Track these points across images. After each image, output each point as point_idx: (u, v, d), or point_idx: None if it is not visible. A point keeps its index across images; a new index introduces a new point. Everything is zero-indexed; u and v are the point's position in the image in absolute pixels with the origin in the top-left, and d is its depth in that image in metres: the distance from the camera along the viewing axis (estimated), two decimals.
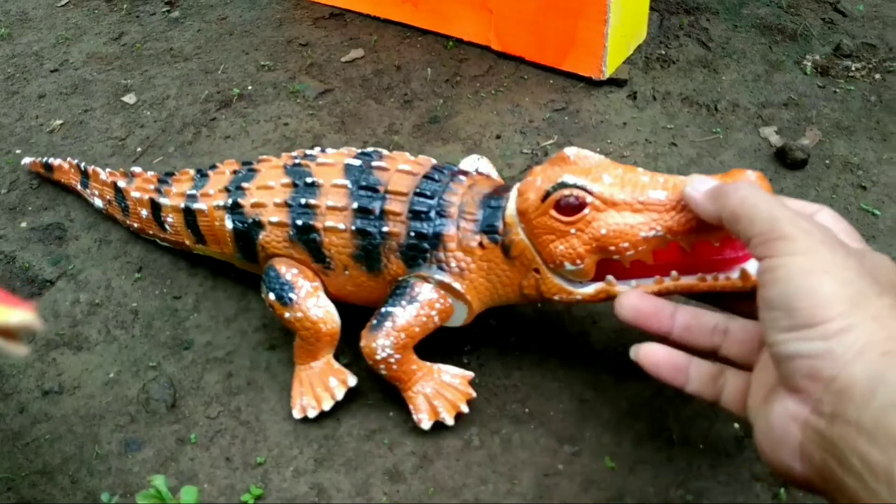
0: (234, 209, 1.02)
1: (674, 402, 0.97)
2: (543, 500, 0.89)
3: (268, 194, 1.00)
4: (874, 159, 1.26)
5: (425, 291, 0.93)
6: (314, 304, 0.97)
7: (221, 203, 1.04)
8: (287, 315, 0.97)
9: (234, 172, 1.06)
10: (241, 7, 1.76)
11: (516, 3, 1.44)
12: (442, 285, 0.93)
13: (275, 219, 0.98)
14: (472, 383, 0.97)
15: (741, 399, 0.79)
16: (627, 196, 0.84)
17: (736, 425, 0.94)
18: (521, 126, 1.38)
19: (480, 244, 0.92)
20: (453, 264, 0.92)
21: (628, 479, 0.90)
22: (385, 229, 0.93)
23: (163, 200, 1.10)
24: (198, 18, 1.74)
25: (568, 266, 0.87)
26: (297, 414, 0.98)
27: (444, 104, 1.44)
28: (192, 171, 1.12)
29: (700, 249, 0.86)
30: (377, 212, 0.94)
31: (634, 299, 0.86)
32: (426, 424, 0.94)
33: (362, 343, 0.95)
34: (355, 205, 0.94)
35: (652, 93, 1.43)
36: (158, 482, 0.86)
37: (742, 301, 0.86)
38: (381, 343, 0.93)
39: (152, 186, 1.13)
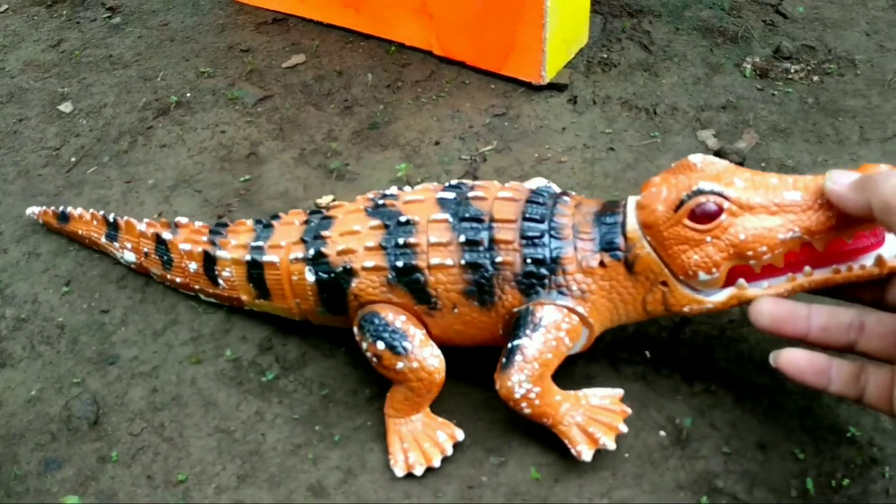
0: (317, 260, 0.95)
1: None
2: None
3: (355, 239, 0.93)
4: (809, 161, 1.26)
5: (548, 314, 0.88)
6: (430, 354, 0.91)
7: (300, 255, 0.96)
8: (400, 366, 0.90)
9: (305, 222, 1.00)
10: (184, 12, 1.74)
11: (456, 8, 1.44)
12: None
13: (369, 264, 0.91)
14: (623, 400, 0.93)
15: (886, 395, 0.77)
16: (763, 199, 0.82)
17: (662, 433, 0.94)
18: (460, 132, 1.37)
19: (601, 263, 0.88)
20: (574, 287, 0.88)
21: (553, 490, 0.90)
22: (498, 259, 0.88)
23: (220, 253, 1.02)
24: (139, 24, 1.72)
25: (702, 276, 0.84)
26: (400, 472, 0.92)
27: (384, 110, 1.43)
28: (249, 222, 1.05)
29: (830, 244, 0.84)
30: (486, 242, 0.89)
31: (770, 306, 0.84)
32: (588, 455, 0.89)
33: (497, 385, 0.89)
34: (462, 238, 0.89)
35: (592, 97, 1.42)
36: (72, 502, 0.85)
37: (863, 289, 0.85)
38: (516, 380, 0.87)
39: (205, 238, 1.05)
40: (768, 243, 0.82)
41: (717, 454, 0.92)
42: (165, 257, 1.09)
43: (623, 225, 0.88)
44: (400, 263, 0.91)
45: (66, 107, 1.50)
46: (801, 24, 1.57)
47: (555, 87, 1.44)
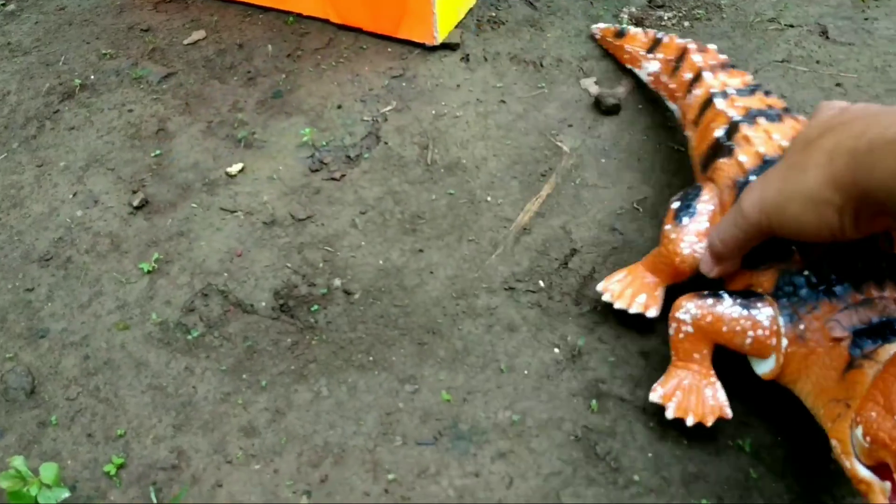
0: None
1: (502, 336, 1.07)
2: (386, 435, 0.98)
3: None
4: None
5: (764, 311, 0.88)
6: None
7: None
8: None
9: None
10: None
11: None
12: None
13: None
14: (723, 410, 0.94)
15: None
16: None
17: (556, 350, 1.05)
18: (361, 95, 1.45)
19: None
20: None
21: (462, 408, 1.00)
22: None
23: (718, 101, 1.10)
24: (35, 10, 1.72)
25: None
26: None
27: (286, 79, 1.49)
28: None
29: None
30: None
31: None
32: (670, 413, 0.93)
33: (681, 298, 0.94)
34: None
35: (483, 54, 1.51)
36: (17, 462, 0.91)
37: None
38: (688, 305, 0.92)
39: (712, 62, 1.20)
40: None
41: (604, 364, 1.03)
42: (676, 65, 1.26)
43: None
44: None
45: None
46: None
47: (448, 46, 1.53)
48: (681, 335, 0.94)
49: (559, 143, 1.33)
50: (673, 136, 1.32)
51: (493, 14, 1.60)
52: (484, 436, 0.98)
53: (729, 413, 0.93)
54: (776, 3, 1.58)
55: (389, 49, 1.54)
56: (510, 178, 1.28)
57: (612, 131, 1.34)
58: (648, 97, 1.40)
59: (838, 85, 1.39)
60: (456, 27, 1.56)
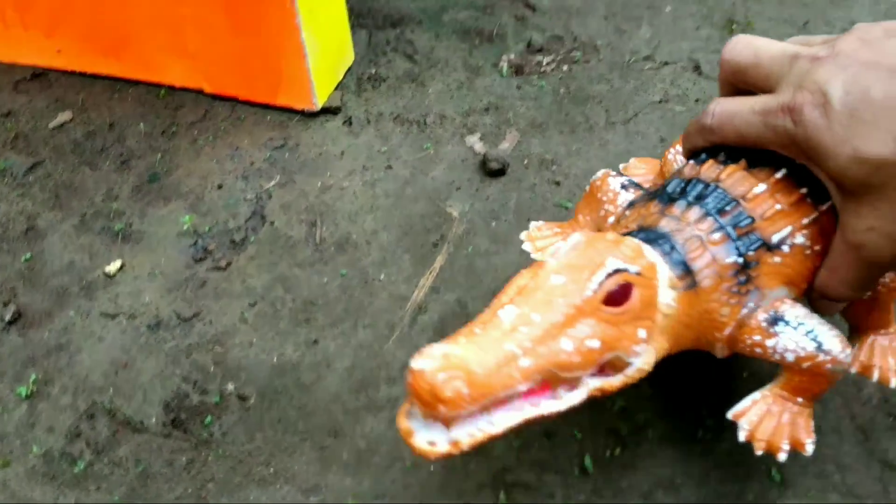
0: None
1: None
2: None
3: None
4: (565, 153, 1.39)
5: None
6: None
7: None
8: None
9: None
10: None
11: (218, 47, 1.44)
12: None
13: None
14: None
15: None
16: None
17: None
18: (242, 171, 1.40)
19: None
20: None
21: None
22: None
23: None
24: None
25: None
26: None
27: (162, 159, 1.43)
28: None
29: None
30: None
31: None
32: (523, 235, 1.08)
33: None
34: None
35: (366, 116, 1.48)
36: None
37: None
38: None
39: None
40: None
41: (510, 450, 1.02)
42: None
43: None
44: None
45: None
46: (549, 14, 1.69)
47: (329, 110, 1.49)
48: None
49: (448, 209, 1.31)
50: (559, 192, 1.32)
51: (373, 71, 1.57)
52: None
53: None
54: (650, 40, 1.60)
55: (269, 117, 1.49)
56: (402, 251, 1.26)
57: (500, 191, 1.33)
58: (532, 151, 1.39)
59: None
60: (336, 89, 1.52)
